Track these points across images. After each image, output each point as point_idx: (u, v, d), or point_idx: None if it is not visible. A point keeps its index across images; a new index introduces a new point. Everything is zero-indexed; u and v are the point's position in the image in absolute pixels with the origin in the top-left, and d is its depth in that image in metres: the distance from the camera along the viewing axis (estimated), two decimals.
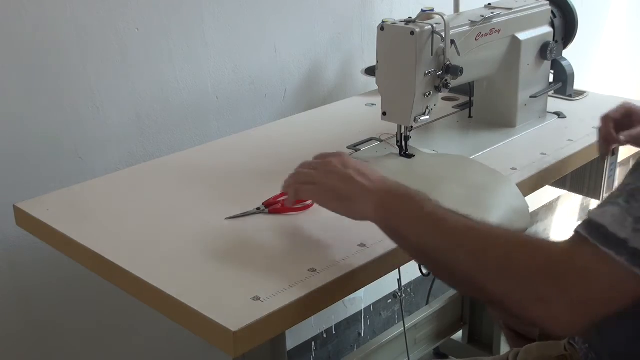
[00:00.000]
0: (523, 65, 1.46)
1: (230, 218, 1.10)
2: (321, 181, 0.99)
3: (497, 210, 1.13)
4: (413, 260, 1.00)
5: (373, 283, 1.03)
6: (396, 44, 1.25)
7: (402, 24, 1.24)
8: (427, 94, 1.28)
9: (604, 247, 0.75)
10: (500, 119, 1.50)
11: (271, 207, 1.12)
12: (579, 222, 0.79)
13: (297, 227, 1.10)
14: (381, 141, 1.42)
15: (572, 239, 0.79)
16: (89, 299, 1.50)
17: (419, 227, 0.90)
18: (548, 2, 1.52)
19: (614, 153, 1.40)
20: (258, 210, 1.12)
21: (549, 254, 0.80)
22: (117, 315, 1.57)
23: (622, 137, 1.29)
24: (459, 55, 1.29)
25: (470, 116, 1.56)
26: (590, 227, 0.77)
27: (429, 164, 1.31)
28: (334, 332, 2.13)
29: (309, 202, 1.11)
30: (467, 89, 1.57)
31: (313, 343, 2.08)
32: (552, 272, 0.78)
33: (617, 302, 0.76)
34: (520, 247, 0.83)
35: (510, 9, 1.43)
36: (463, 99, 1.66)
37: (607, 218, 0.76)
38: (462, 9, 1.66)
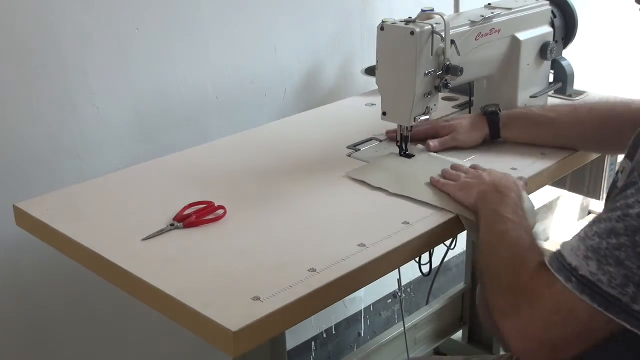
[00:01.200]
0: (523, 65, 1.46)
1: (146, 239, 1.06)
2: (462, 181, 1.17)
3: None
4: (413, 260, 1.02)
5: (373, 283, 1.03)
6: (396, 44, 1.25)
7: (402, 24, 1.24)
8: (427, 94, 1.28)
9: (557, 273, 0.83)
10: None
11: (185, 221, 1.10)
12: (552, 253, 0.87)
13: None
14: (381, 141, 1.42)
15: (542, 264, 0.87)
16: (88, 299, 1.50)
17: (485, 220, 1.04)
18: (548, 2, 1.52)
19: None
20: (172, 227, 1.09)
21: (524, 272, 0.88)
22: (117, 315, 1.57)
23: (432, 144, 1.36)
24: (459, 55, 1.29)
25: None
26: (553, 255, 0.85)
27: (428, 165, 1.31)
28: (334, 332, 2.13)
29: (222, 212, 1.12)
30: (467, 89, 1.57)
31: (313, 343, 2.08)
32: (516, 290, 0.87)
33: (570, 328, 0.82)
34: (517, 260, 0.91)
35: (510, 9, 1.43)
36: (463, 99, 1.66)
37: (566, 247, 0.84)
38: (462, 9, 1.66)
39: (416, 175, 1.27)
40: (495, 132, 1.37)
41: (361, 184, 1.24)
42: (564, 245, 0.85)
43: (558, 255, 0.84)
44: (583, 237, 0.83)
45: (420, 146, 1.38)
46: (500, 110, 1.38)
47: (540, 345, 0.83)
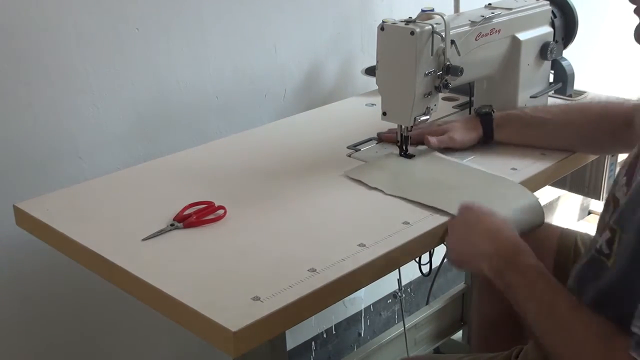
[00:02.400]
0: (523, 65, 1.46)
1: (146, 239, 1.06)
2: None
3: (503, 214, 1.13)
4: (413, 260, 1.01)
5: (373, 283, 1.03)
6: (396, 44, 1.25)
7: (402, 24, 1.24)
8: (427, 94, 1.28)
9: None
10: None
11: (185, 221, 1.10)
12: (634, 344, 0.81)
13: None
14: (381, 141, 1.42)
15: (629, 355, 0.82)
16: (88, 299, 1.50)
17: (526, 310, 0.96)
18: (548, 2, 1.52)
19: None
20: (172, 227, 1.09)
21: None
22: (117, 315, 1.57)
23: (431, 140, 1.34)
24: (459, 55, 1.29)
25: None
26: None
27: (429, 166, 1.31)
28: (334, 332, 2.13)
29: (222, 212, 1.12)
30: (467, 89, 1.57)
31: (313, 343, 2.08)
32: None
33: None
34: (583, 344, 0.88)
35: (511, 9, 1.43)
36: (463, 99, 1.66)
37: None
38: (462, 9, 1.66)
39: (414, 176, 1.27)
40: (489, 134, 1.37)
41: (361, 183, 1.24)
42: None
43: None
44: None
45: (420, 147, 1.38)
46: (493, 111, 1.37)
47: None
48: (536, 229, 1.18)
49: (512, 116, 1.38)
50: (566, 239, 1.36)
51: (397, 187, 1.21)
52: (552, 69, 1.57)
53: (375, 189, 1.21)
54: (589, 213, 3.06)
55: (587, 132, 1.32)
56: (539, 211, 1.17)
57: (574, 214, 3.00)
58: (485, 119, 1.37)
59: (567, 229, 1.41)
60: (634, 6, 0.97)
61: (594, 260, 0.97)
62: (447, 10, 1.40)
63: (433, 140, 1.35)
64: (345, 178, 1.26)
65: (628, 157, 1.02)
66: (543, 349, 0.95)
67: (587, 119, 1.32)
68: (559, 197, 2.83)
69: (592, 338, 0.88)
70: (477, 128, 1.37)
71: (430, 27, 1.23)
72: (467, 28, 1.33)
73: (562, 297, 0.94)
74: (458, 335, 2.13)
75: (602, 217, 1.03)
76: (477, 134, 1.37)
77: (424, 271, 1.55)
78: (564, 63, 1.59)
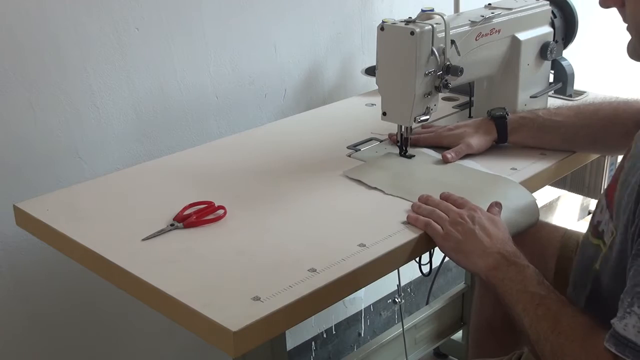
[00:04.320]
0: (523, 65, 1.46)
1: (146, 239, 1.06)
2: (448, 230, 1.08)
3: (502, 215, 1.13)
4: (413, 260, 1.01)
5: (373, 283, 1.03)
6: (396, 44, 1.25)
7: (402, 24, 1.24)
8: (427, 94, 1.28)
9: None
10: None
11: (185, 221, 1.09)
12: (608, 336, 0.84)
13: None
14: (381, 141, 1.42)
15: (613, 353, 0.84)
16: (88, 299, 1.50)
17: (517, 301, 0.99)
18: (548, 2, 1.52)
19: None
20: (172, 227, 1.09)
21: None
22: (117, 315, 1.57)
23: (449, 156, 1.32)
24: (459, 55, 1.29)
25: (470, 116, 1.56)
26: (620, 344, 0.82)
27: (428, 166, 1.31)
28: (334, 332, 2.13)
29: (222, 212, 1.12)
30: (467, 89, 1.57)
31: (313, 343, 2.08)
32: None
33: None
34: (589, 352, 0.88)
35: (511, 9, 1.43)
36: (463, 99, 1.66)
37: (630, 331, 0.82)
38: (462, 9, 1.67)
39: (414, 176, 1.27)
40: (503, 137, 1.36)
41: (360, 183, 1.24)
42: (623, 328, 0.83)
43: (628, 342, 0.82)
44: None
45: (421, 149, 1.38)
46: (507, 114, 1.36)
47: None
48: (530, 229, 1.20)
49: (526, 119, 1.37)
50: (569, 240, 1.36)
51: (397, 187, 1.21)
52: (552, 69, 1.58)
53: (375, 188, 1.21)
54: (589, 213, 3.06)
55: (600, 133, 1.32)
56: (535, 211, 1.18)
57: (574, 214, 3.00)
58: (499, 122, 1.36)
59: (570, 230, 1.40)
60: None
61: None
62: (447, 10, 1.40)
63: (450, 154, 1.32)
64: (345, 178, 1.26)
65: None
66: (532, 347, 0.97)
67: (601, 121, 1.31)
68: (559, 197, 2.83)
69: (577, 328, 0.91)
70: (491, 131, 1.36)
71: (430, 27, 1.23)
72: (467, 28, 1.33)
73: (553, 293, 0.97)
74: (458, 335, 2.13)
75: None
76: (492, 137, 1.36)
77: (424, 271, 1.55)
78: (564, 63, 1.59)
